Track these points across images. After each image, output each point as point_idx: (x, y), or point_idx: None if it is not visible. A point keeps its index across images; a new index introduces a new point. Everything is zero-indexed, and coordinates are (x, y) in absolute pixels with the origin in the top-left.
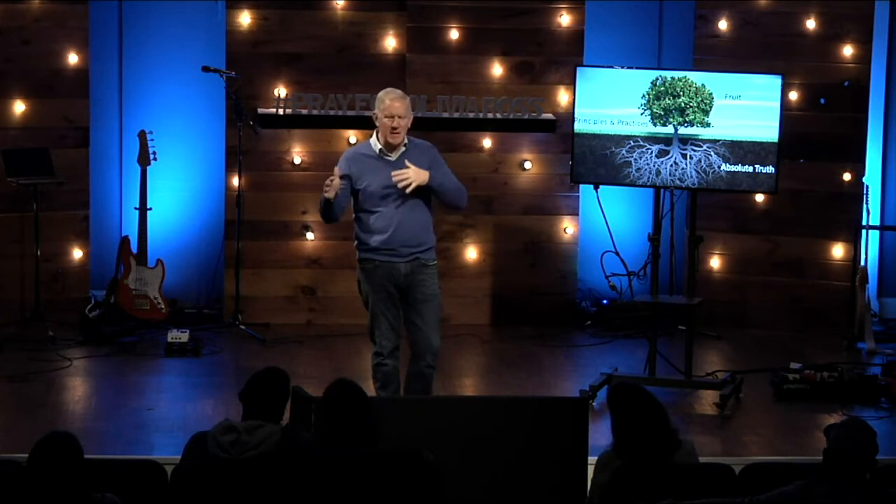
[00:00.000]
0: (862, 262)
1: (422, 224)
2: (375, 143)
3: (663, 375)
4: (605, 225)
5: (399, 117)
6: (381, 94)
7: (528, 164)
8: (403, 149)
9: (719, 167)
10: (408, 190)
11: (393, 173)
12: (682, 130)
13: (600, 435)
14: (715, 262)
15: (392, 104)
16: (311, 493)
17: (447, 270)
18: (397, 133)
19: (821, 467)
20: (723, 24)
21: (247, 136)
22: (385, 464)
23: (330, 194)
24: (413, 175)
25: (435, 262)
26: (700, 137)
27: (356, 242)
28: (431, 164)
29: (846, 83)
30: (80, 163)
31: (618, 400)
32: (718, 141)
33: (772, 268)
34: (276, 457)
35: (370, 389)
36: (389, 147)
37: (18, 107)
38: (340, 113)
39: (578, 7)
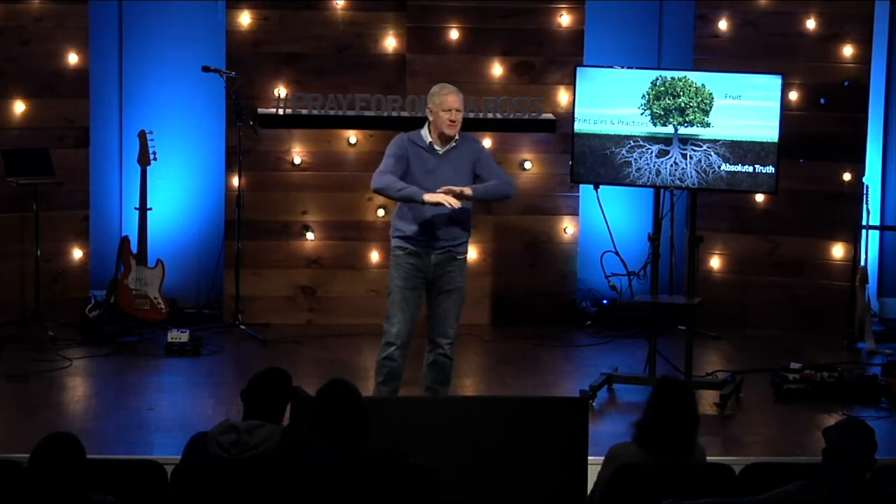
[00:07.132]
0: (862, 262)
1: (455, 218)
2: (426, 135)
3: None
4: (605, 225)
5: (456, 110)
6: (436, 88)
7: (528, 164)
8: (454, 143)
9: (719, 167)
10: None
11: (443, 189)
12: (682, 130)
13: (600, 435)
14: (715, 262)
15: (449, 97)
16: (311, 493)
17: None
18: (454, 125)
19: (821, 467)
20: (723, 24)
21: (247, 136)
22: (383, 464)
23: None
24: (454, 202)
25: (465, 255)
26: (700, 137)
27: (392, 229)
28: (476, 162)
29: (846, 83)
30: (80, 163)
31: (665, 392)
32: (718, 141)
33: (772, 268)
34: (276, 457)
35: (367, 389)
36: (443, 139)
37: (18, 107)
38: (340, 113)
39: (578, 7)
